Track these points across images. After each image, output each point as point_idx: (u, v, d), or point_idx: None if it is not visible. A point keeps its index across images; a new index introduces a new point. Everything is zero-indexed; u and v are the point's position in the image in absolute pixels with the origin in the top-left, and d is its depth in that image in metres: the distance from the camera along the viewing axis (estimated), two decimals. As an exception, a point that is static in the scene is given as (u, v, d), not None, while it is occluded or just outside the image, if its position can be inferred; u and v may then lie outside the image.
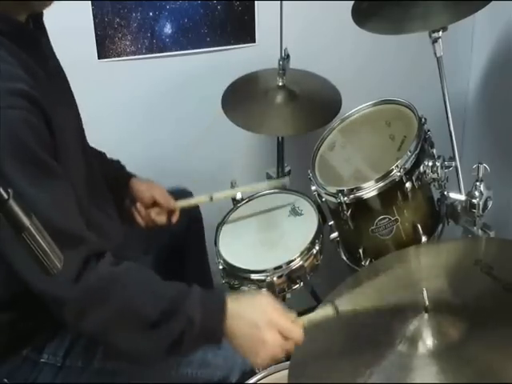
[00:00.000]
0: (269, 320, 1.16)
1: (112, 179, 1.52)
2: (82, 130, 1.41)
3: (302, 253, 1.58)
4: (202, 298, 1.17)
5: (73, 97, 1.38)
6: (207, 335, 1.16)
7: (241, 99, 1.84)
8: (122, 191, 1.58)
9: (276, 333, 1.15)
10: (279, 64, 1.81)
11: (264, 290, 1.22)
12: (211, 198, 1.69)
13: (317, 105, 1.83)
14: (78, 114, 1.39)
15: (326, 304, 1.20)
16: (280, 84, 1.83)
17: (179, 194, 1.76)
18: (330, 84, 1.87)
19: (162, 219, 1.62)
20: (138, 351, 1.19)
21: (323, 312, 1.19)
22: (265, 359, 1.16)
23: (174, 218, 1.64)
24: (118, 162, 1.64)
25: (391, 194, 1.54)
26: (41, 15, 1.25)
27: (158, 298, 1.16)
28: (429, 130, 1.59)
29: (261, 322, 1.16)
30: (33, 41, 1.17)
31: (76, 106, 1.38)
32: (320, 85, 1.88)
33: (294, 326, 1.17)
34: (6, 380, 1.30)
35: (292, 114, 1.81)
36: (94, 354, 1.34)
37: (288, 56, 1.82)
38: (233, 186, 1.78)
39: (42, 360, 1.32)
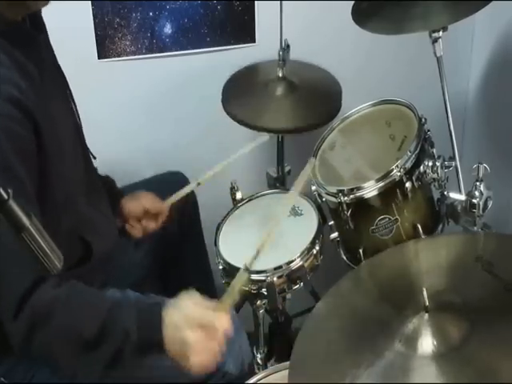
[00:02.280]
0: (185, 318, 1.15)
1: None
2: (80, 129, 1.40)
3: (302, 253, 1.58)
4: (138, 308, 1.18)
5: (70, 96, 1.37)
6: (147, 347, 1.16)
7: (240, 92, 1.84)
8: (113, 209, 1.57)
9: (196, 329, 1.13)
10: (279, 55, 1.80)
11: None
12: (198, 184, 1.68)
13: (317, 96, 1.82)
14: (75, 113, 1.39)
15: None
16: (280, 75, 1.82)
17: (173, 179, 1.76)
18: (330, 75, 1.86)
19: (152, 225, 1.62)
20: (80, 369, 1.19)
21: (238, 279, 1.22)
22: (198, 360, 1.14)
23: (160, 219, 1.63)
24: (107, 177, 1.62)
25: (391, 193, 1.53)
26: (39, 14, 1.25)
27: (95, 314, 1.16)
28: (429, 130, 1.59)
29: (179, 322, 1.15)
30: (28, 39, 1.16)
31: (73, 104, 1.38)
32: (320, 76, 1.87)
33: (215, 314, 1.15)
34: (2, 379, 1.30)
35: (292, 105, 1.80)
36: None
37: (288, 46, 1.81)
38: (233, 185, 1.78)
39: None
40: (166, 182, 1.76)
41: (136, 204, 1.60)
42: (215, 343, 1.14)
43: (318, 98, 1.81)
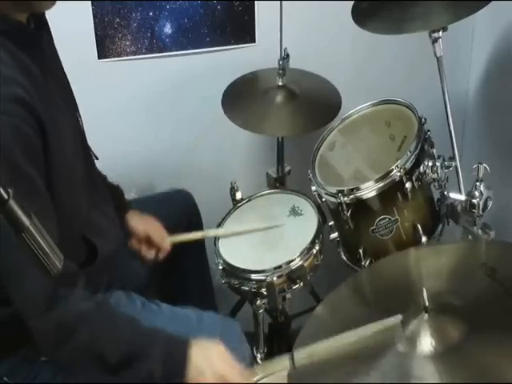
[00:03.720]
0: (215, 370, 1.18)
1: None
2: (82, 130, 1.40)
3: (301, 253, 1.58)
4: (165, 352, 1.18)
5: (72, 97, 1.38)
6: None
7: (241, 99, 1.84)
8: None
9: (219, 379, 1.17)
10: (279, 64, 1.81)
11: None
12: (203, 236, 1.69)
13: (316, 104, 1.83)
14: (78, 114, 1.39)
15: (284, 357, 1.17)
16: (280, 84, 1.83)
17: (178, 195, 1.76)
18: (330, 84, 1.87)
19: (151, 254, 1.61)
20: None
21: (279, 365, 1.19)
22: None
23: (162, 255, 1.62)
24: (116, 187, 1.62)
25: (391, 194, 1.54)
26: (43, 15, 1.25)
27: (122, 345, 1.17)
28: (429, 130, 1.59)
29: (207, 371, 1.18)
30: (32, 40, 1.16)
31: (76, 106, 1.38)
32: (320, 85, 1.88)
33: (241, 375, 1.19)
34: (5, 378, 1.30)
35: (292, 113, 1.81)
36: None
37: (288, 56, 1.82)
38: (233, 186, 1.78)
39: (41, 358, 1.32)
40: (172, 200, 1.76)
41: (141, 225, 1.60)
42: None
43: (317, 107, 1.82)
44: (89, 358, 1.16)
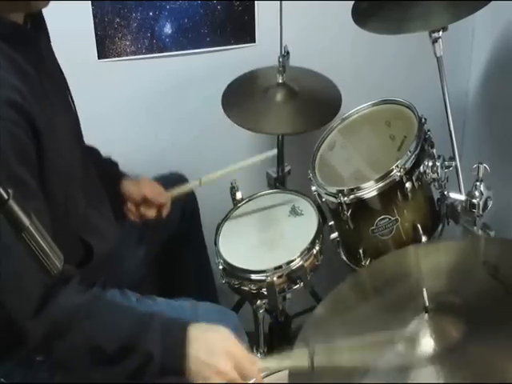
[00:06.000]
0: (227, 351, 1.16)
1: (104, 179, 1.52)
2: (79, 131, 1.40)
3: (302, 253, 1.58)
4: (163, 332, 1.17)
5: (70, 97, 1.37)
6: (168, 370, 1.16)
7: (240, 97, 1.84)
8: (112, 191, 1.57)
9: (231, 365, 1.15)
10: (279, 61, 1.80)
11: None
12: (200, 182, 1.68)
13: (317, 102, 1.82)
14: (75, 115, 1.39)
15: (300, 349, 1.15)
16: (280, 81, 1.82)
17: (173, 179, 1.76)
18: (330, 81, 1.86)
19: (152, 213, 1.62)
20: (96, 381, 1.20)
21: (296, 359, 1.16)
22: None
23: (165, 211, 1.63)
24: (109, 160, 1.63)
25: (391, 194, 1.54)
26: (40, 15, 1.25)
27: (119, 334, 1.16)
28: (429, 130, 1.59)
29: (218, 350, 1.16)
30: (28, 41, 1.16)
31: (73, 106, 1.38)
32: (320, 82, 1.87)
33: (253, 365, 1.17)
34: (3, 379, 1.30)
35: (292, 111, 1.80)
36: None
37: (288, 53, 1.81)
38: (233, 185, 1.78)
39: (38, 359, 1.32)
40: (167, 183, 1.76)
41: (136, 189, 1.60)
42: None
43: (317, 105, 1.81)
44: (86, 350, 1.15)
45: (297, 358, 1.16)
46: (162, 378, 1.19)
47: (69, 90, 1.37)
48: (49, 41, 1.32)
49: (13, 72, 1.08)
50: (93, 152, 1.59)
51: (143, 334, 1.16)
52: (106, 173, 1.56)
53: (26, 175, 1.08)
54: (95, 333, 1.15)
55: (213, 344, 1.17)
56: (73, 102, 1.38)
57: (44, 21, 1.27)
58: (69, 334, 1.13)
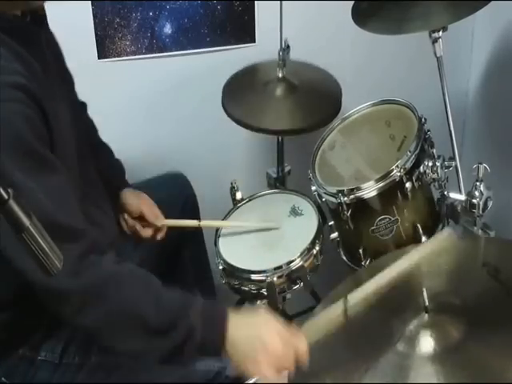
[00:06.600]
0: (270, 327, 1.14)
1: (107, 185, 1.52)
2: (80, 129, 1.40)
3: (302, 253, 1.58)
4: (204, 311, 1.16)
5: (72, 91, 1.37)
6: (207, 348, 1.15)
7: (240, 91, 1.83)
8: (112, 197, 1.57)
9: (277, 337, 1.12)
10: (279, 55, 1.80)
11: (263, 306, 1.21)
12: (199, 225, 1.67)
13: (317, 97, 1.81)
14: (76, 109, 1.39)
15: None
16: (280, 76, 1.82)
17: (173, 179, 1.76)
18: (331, 76, 1.85)
19: (147, 233, 1.61)
20: (133, 353, 1.19)
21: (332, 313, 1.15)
22: (266, 366, 1.11)
23: (160, 236, 1.62)
24: (119, 164, 1.63)
25: (391, 194, 1.54)
26: (41, 11, 1.24)
27: (160, 306, 1.14)
28: (429, 130, 1.59)
29: (263, 329, 1.14)
30: (28, 34, 1.16)
31: (75, 100, 1.38)
32: (320, 77, 1.86)
33: (297, 335, 1.14)
34: (3, 379, 1.30)
35: (292, 106, 1.79)
36: (90, 349, 1.33)
37: (288, 47, 1.80)
38: (233, 185, 1.78)
39: (39, 358, 1.32)
40: (167, 183, 1.76)
41: (135, 203, 1.60)
42: (288, 360, 1.12)
43: (317, 99, 1.80)
44: (124, 318, 1.13)
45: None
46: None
47: (73, 88, 1.37)
48: (50, 34, 1.32)
49: (18, 62, 1.09)
50: (104, 150, 1.59)
51: (185, 311, 1.15)
52: (110, 179, 1.56)
53: (45, 151, 1.09)
54: (134, 302, 1.14)
55: (256, 327, 1.16)
56: (73, 96, 1.38)
57: (45, 17, 1.27)
58: (106, 300, 1.12)
